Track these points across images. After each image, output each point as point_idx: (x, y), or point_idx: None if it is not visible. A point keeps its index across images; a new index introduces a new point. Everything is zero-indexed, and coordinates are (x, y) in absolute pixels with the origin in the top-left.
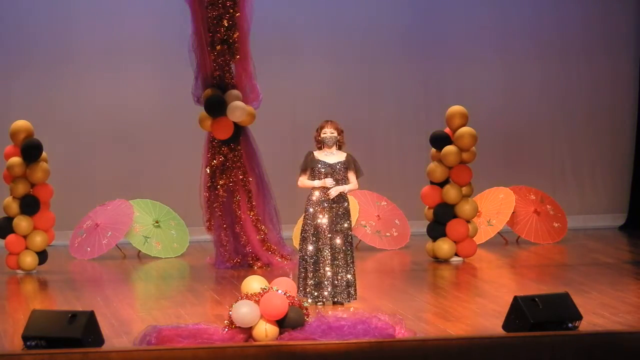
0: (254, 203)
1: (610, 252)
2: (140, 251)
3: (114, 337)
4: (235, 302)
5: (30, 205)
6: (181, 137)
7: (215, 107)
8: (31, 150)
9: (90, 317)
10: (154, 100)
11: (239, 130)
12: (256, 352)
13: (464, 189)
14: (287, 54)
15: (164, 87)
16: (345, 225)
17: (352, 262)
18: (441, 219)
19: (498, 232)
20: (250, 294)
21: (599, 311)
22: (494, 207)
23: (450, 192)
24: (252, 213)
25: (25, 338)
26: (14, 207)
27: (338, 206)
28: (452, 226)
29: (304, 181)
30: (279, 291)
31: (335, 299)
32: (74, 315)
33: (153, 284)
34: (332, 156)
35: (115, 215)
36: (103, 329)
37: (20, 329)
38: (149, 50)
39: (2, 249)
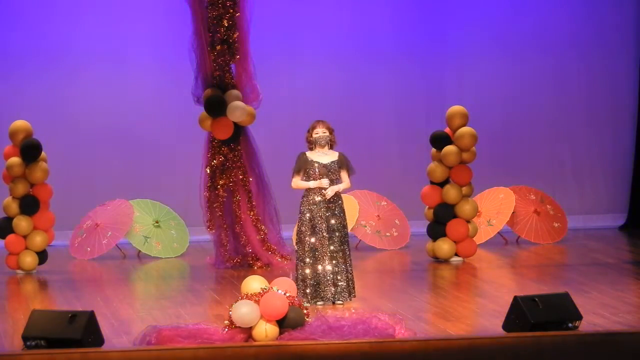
0: (254, 203)
1: (610, 252)
2: (140, 251)
3: (114, 337)
4: (235, 302)
5: (30, 205)
6: (181, 137)
7: (215, 107)
8: (30, 150)
9: (90, 317)
10: (154, 100)
11: (239, 130)
12: (256, 352)
13: (464, 189)
14: (287, 54)
15: (164, 87)
16: (342, 224)
17: (350, 261)
18: (441, 219)
19: (498, 232)
20: (250, 294)
21: (599, 311)
22: (494, 207)
23: (450, 192)
24: (252, 213)
25: (25, 338)
26: (14, 207)
27: (334, 206)
28: (452, 226)
29: (298, 182)
30: (279, 291)
31: (336, 299)
32: (74, 315)
33: (153, 284)
34: (325, 156)
35: (115, 215)
36: (103, 329)
37: (20, 329)
38: (149, 50)
39: (2, 249)
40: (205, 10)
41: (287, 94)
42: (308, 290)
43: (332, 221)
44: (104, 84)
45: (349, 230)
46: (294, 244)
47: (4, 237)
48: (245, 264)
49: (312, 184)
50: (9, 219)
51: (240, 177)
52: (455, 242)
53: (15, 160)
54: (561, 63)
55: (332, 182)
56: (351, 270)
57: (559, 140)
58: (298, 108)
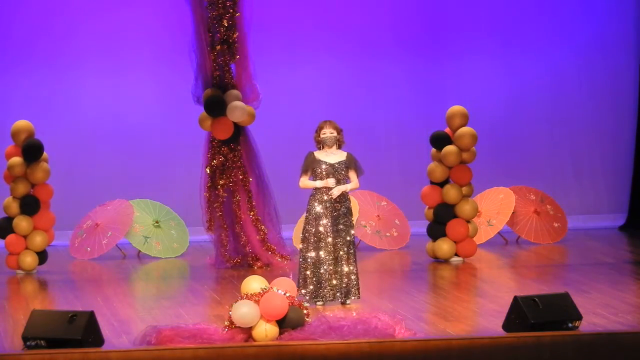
0: (254, 203)
1: (610, 252)
2: (140, 251)
3: (114, 337)
4: (235, 302)
5: (30, 205)
6: (181, 137)
7: (215, 107)
8: (32, 151)
9: (90, 317)
10: (154, 100)
11: (239, 130)
12: (256, 352)
13: (464, 189)
14: (287, 54)
15: (164, 87)
16: (348, 224)
17: (355, 261)
18: (441, 219)
19: (498, 232)
20: (250, 294)
21: (599, 311)
22: (494, 207)
23: (450, 192)
24: (252, 213)
25: (25, 338)
26: (14, 207)
27: (340, 205)
28: (452, 226)
29: (305, 182)
30: (279, 291)
31: (338, 299)
32: (74, 315)
33: (153, 284)
34: (333, 156)
35: (115, 215)
36: (103, 329)
37: (20, 329)
38: (149, 50)
39: (2, 249)
40: (205, 10)
41: (287, 94)
42: (310, 289)
43: (338, 221)
44: (104, 85)
45: None
46: (295, 243)
47: (4, 237)
48: (245, 264)
49: (318, 183)
50: (9, 219)
51: (240, 177)
52: (455, 242)
53: (16, 160)
54: (561, 63)
55: (339, 182)
56: (355, 270)
57: (559, 140)
58: (298, 108)
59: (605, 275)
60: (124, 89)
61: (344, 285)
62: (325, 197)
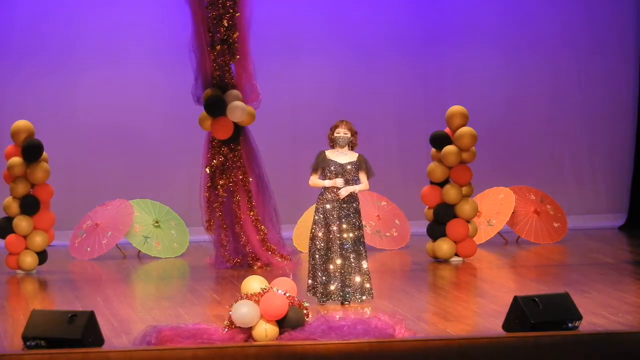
0: (253, 203)
1: (610, 252)
2: (140, 251)
3: (114, 337)
4: (235, 302)
5: (30, 205)
6: (181, 137)
7: (215, 107)
8: (32, 151)
9: (90, 317)
10: (154, 100)
11: (239, 130)
12: (256, 352)
13: (464, 189)
14: (287, 54)
15: (163, 87)
16: (356, 225)
17: (365, 261)
18: (441, 219)
19: (498, 232)
20: (250, 294)
21: (599, 311)
22: (494, 207)
23: (450, 192)
24: (252, 213)
25: (25, 338)
26: (14, 207)
27: (348, 206)
28: (452, 226)
29: (314, 180)
30: (279, 291)
31: (348, 299)
32: (74, 315)
33: (153, 284)
34: (344, 156)
35: (115, 215)
36: (103, 329)
37: (20, 329)
38: (149, 50)
39: (2, 249)
40: (205, 11)
41: (287, 93)
42: (318, 288)
43: (345, 221)
44: (104, 84)
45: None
46: (295, 243)
47: (4, 237)
48: (245, 264)
49: (327, 183)
50: (9, 219)
51: (240, 177)
52: (455, 242)
53: (16, 160)
54: (561, 63)
55: (348, 183)
56: (367, 270)
57: (559, 140)
58: (298, 108)
59: (605, 275)
60: (124, 88)
61: (355, 287)
62: (333, 197)
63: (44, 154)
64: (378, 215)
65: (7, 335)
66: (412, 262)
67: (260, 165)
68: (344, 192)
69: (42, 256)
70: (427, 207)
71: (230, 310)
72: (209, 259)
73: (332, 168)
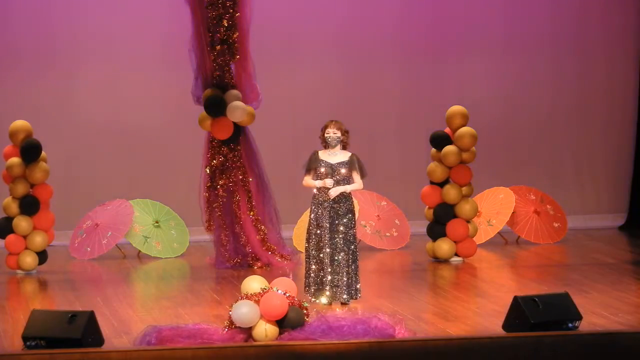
0: (253, 203)
1: (610, 252)
2: (140, 251)
3: (114, 337)
4: (235, 302)
5: (30, 205)
6: (181, 137)
7: (215, 107)
8: (30, 151)
9: (90, 317)
10: (153, 100)
11: (239, 130)
12: (256, 352)
13: (464, 189)
14: (287, 53)
15: (163, 87)
16: (349, 225)
17: (355, 261)
18: (441, 219)
19: (498, 232)
20: (250, 294)
21: (599, 311)
22: (494, 207)
23: (450, 192)
24: (252, 213)
25: (25, 338)
26: (14, 207)
27: (339, 206)
28: (452, 226)
29: (307, 181)
30: (279, 291)
31: (338, 299)
32: (74, 315)
33: (153, 284)
34: (335, 156)
35: (115, 215)
36: (103, 329)
37: (20, 329)
38: (149, 50)
39: (2, 249)
40: (205, 11)
41: (287, 94)
42: (314, 288)
43: (337, 221)
44: (103, 84)
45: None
46: (295, 243)
47: (4, 237)
48: (245, 264)
49: (317, 183)
50: (9, 219)
51: (240, 177)
52: (455, 242)
53: (15, 160)
54: (561, 63)
55: (339, 183)
56: (356, 270)
57: (559, 140)
58: (298, 108)
59: (605, 275)
60: (123, 88)
61: (343, 287)
62: (324, 198)
63: (43, 153)
64: (378, 215)
65: (7, 335)
66: (412, 262)
67: (260, 165)
68: (333, 192)
69: (42, 256)
70: (427, 207)
71: (230, 310)
72: (209, 259)
73: (322, 169)
